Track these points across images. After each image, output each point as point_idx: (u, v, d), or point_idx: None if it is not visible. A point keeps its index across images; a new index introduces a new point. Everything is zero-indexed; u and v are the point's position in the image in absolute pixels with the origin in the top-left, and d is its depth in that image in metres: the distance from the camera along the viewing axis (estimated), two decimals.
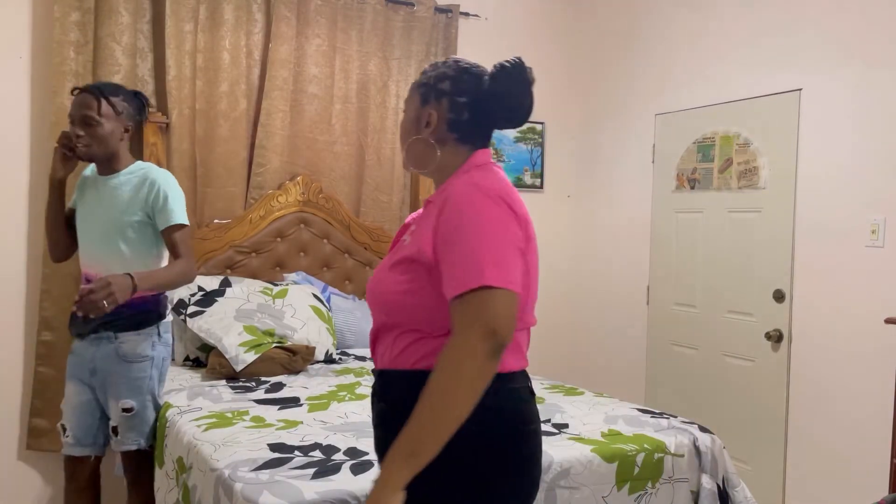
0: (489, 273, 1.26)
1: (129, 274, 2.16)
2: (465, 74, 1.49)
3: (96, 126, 2.36)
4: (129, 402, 2.41)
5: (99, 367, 2.44)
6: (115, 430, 2.45)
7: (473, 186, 1.36)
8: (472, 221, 1.31)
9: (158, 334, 2.47)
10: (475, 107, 1.47)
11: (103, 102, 2.36)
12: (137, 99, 2.52)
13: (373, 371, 1.54)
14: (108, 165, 2.46)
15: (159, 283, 2.30)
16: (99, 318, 2.27)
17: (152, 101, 3.38)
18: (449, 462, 1.27)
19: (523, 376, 1.46)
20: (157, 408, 2.52)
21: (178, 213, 2.38)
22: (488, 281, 1.25)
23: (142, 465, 2.50)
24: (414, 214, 1.60)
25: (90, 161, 2.47)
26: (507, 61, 1.46)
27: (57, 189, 2.48)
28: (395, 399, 1.42)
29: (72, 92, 2.44)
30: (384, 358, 1.45)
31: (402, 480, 1.22)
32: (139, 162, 2.51)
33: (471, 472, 1.33)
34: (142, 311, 2.42)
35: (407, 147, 1.53)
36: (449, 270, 1.31)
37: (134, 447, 2.45)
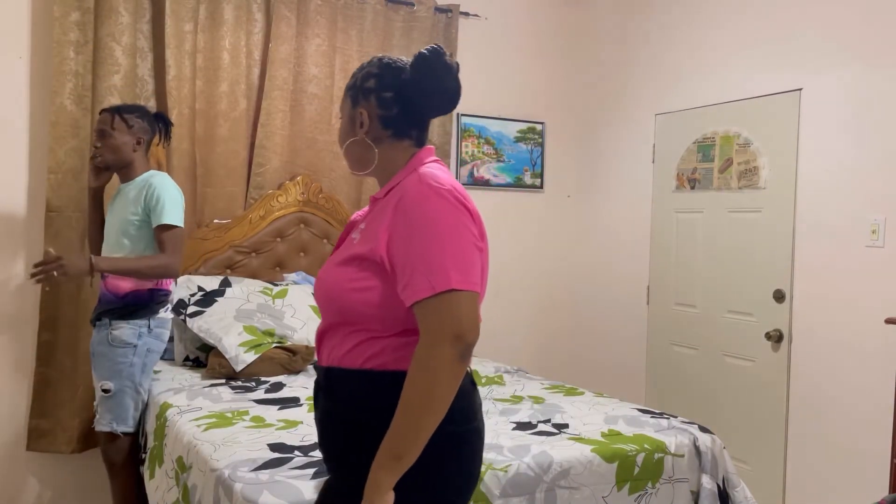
0: (454, 276, 1.29)
1: (90, 256, 2.53)
2: (388, 69, 1.51)
3: (108, 137, 2.70)
4: (108, 384, 2.63)
5: (94, 350, 2.66)
6: (96, 409, 2.68)
7: (427, 186, 1.36)
8: (431, 223, 1.33)
9: (149, 327, 2.67)
10: (402, 99, 1.49)
11: (116, 118, 2.70)
12: (159, 120, 2.86)
13: (316, 367, 1.55)
14: (126, 174, 2.76)
15: (123, 269, 2.59)
16: (103, 306, 2.65)
17: (152, 101, 3.38)
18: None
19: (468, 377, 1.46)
20: (140, 397, 2.70)
21: (168, 214, 2.63)
22: (454, 284, 1.28)
23: (119, 450, 2.68)
24: (360, 212, 1.62)
25: (107, 168, 2.78)
26: (426, 49, 1.47)
27: (94, 199, 2.85)
28: (341, 397, 1.42)
29: (99, 113, 2.79)
30: (332, 355, 1.45)
31: (390, 483, 1.28)
32: (151, 171, 2.77)
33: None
34: (132, 304, 2.65)
35: (345, 150, 1.56)
36: (409, 273, 1.31)
37: (107, 429, 2.65)
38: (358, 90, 1.53)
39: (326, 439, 1.47)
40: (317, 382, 1.52)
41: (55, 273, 2.40)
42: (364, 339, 1.39)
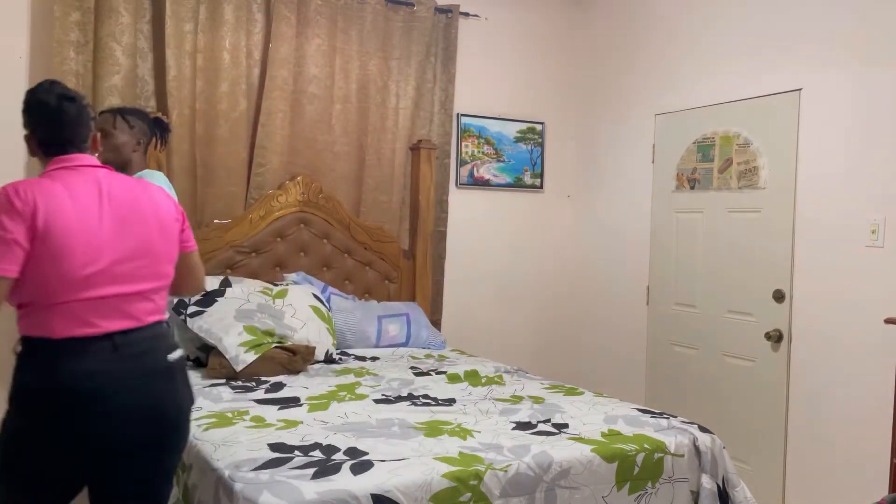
0: None
1: None
2: (27, 96, 1.84)
3: (110, 137, 2.71)
4: None
5: None
6: None
7: None
8: None
9: None
10: (32, 126, 1.85)
11: (118, 118, 2.74)
12: (157, 123, 2.90)
13: None
14: (123, 173, 2.72)
15: None
16: None
17: (152, 101, 3.39)
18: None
19: (67, 344, 1.71)
20: None
21: None
22: None
23: None
24: None
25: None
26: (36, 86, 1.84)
27: None
28: None
29: (99, 113, 2.80)
30: None
31: None
32: (147, 169, 2.79)
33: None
34: None
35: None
36: None
37: None
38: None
39: None
40: None
41: None
42: None
